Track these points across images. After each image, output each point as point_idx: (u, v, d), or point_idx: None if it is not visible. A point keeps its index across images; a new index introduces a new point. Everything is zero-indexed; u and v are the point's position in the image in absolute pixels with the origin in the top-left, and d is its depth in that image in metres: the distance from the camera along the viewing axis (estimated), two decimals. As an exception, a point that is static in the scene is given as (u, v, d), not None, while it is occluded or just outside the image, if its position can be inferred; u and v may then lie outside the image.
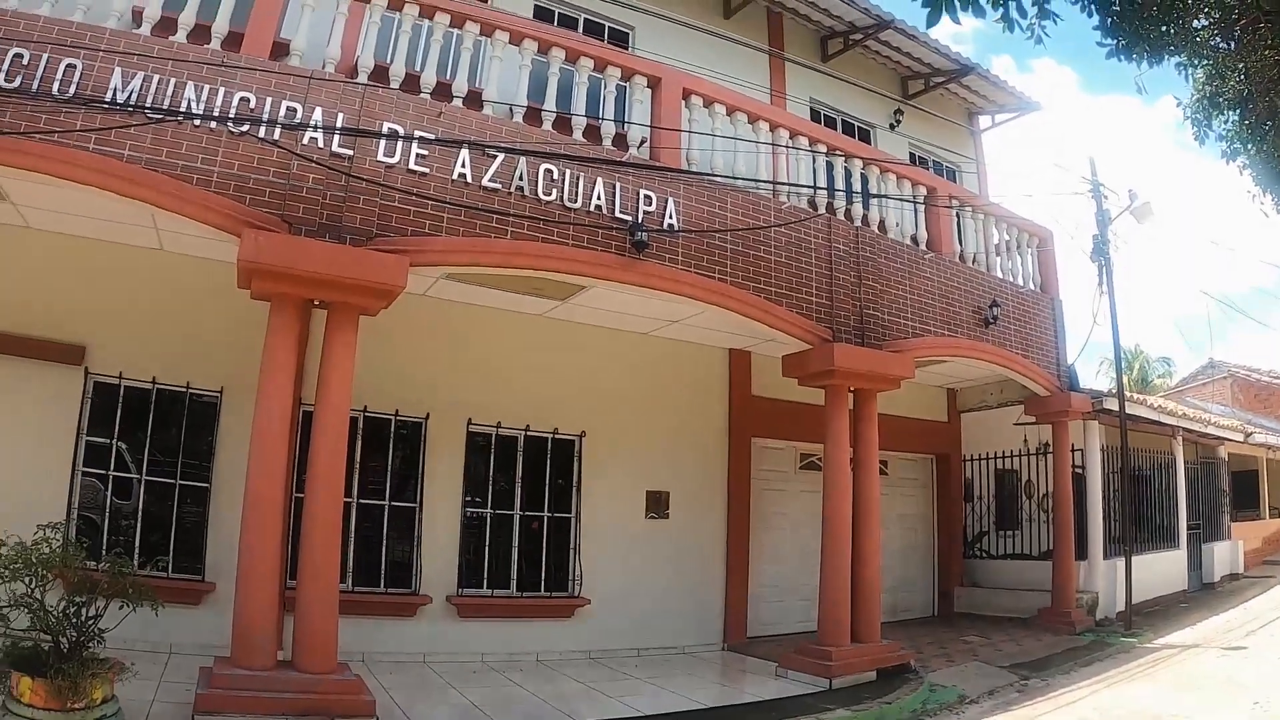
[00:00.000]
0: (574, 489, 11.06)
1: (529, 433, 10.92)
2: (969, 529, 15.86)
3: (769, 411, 12.44)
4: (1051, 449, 14.18)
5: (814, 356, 10.16)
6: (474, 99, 8.82)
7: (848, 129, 15.18)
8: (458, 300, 10.25)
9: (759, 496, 12.55)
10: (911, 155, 15.74)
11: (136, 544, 9.05)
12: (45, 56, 7.49)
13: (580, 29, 12.67)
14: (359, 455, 9.77)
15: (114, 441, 9.33)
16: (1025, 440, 15.05)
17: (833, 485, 10.24)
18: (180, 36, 8.06)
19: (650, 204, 9.09)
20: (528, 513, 10.86)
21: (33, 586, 6.35)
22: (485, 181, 8.36)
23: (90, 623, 6.47)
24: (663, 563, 11.39)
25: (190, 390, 9.52)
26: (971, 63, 15.78)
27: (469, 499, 10.49)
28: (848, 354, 10.11)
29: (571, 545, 10.95)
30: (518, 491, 10.83)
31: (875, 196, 11.39)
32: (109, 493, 9.27)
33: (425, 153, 8.19)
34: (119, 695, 6.26)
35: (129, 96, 7.55)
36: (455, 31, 9.03)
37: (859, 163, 11.37)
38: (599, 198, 8.83)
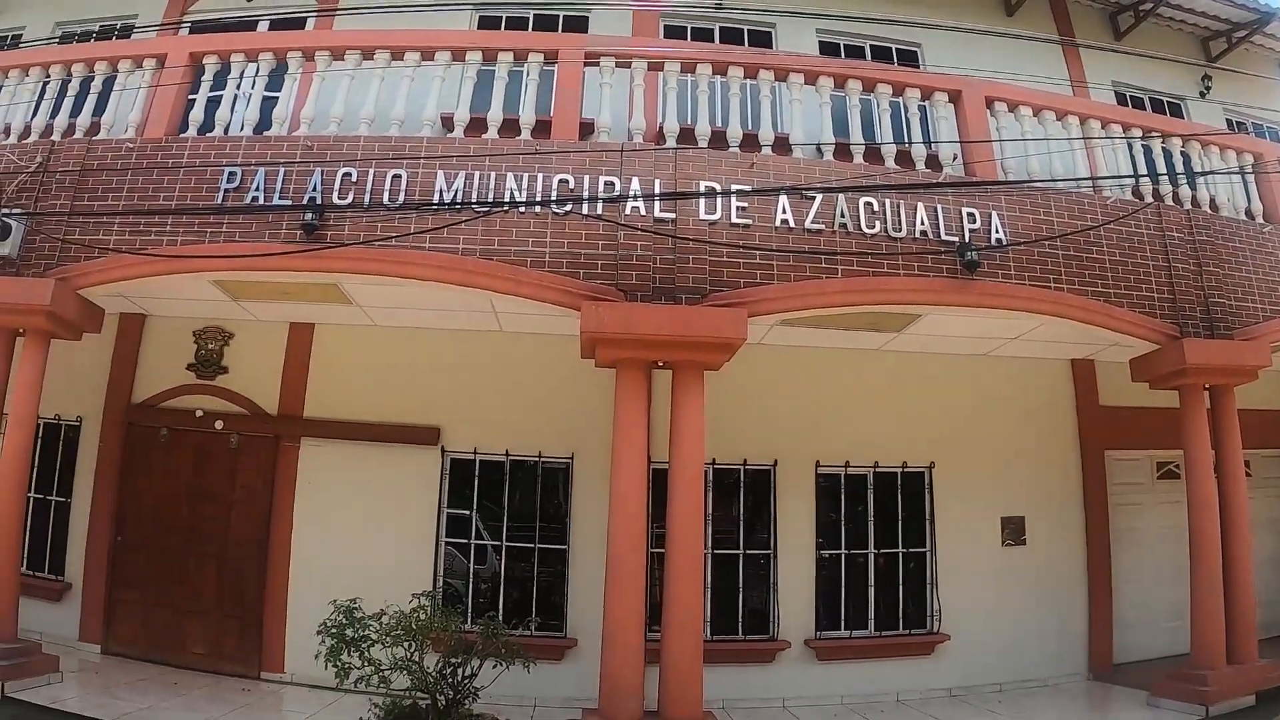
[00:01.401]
0: (927, 522, 10.74)
1: (877, 469, 10.70)
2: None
3: (1119, 421, 11.67)
4: None
5: (1163, 356, 9.50)
6: (782, 144, 8.89)
7: (1156, 106, 14.15)
8: (794, 344, 10.25)
9: (1116, 512, 11.71)
10: (1228, 122, 14.48)
11: (501, 606, 9.59)
12: (371, 171, 8.27)
13: (868, 57, 12.52)
14: (710, 506, 9.82)
15: (473, 512, 9.94)
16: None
17: (1196, 494, 9.46)
18: (491, 133, 8.61)
19: (974, 221, 8.77)
20: (881, 550, 10.61)
21: (411, 650, 6.75)
22: (808, 224, 8.35)
23: (465, 681, 6.83)
24: (1022, 591, 10.85)
25: (542, 459, 10.01)
26: (1271, 9, 14.46)
27: (821, 541, 10.37)
28: (1198, 349, 9.36)
29: (928, 580, 10.61)
30: (870, 529, 10.61)
31: (1201, 174, 10.57)
32: (471, 560, 9.88)
33: (744, 204, 8.29)
34: None
35: (454, 195, 8.16)
36: (750, 82, 9.14)
37: (1177, 140, 10.55)
38: (922, 223, 8.61)
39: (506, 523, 9.97)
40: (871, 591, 10.45)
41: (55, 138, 9.39)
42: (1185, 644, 9.57)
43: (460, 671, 6.99)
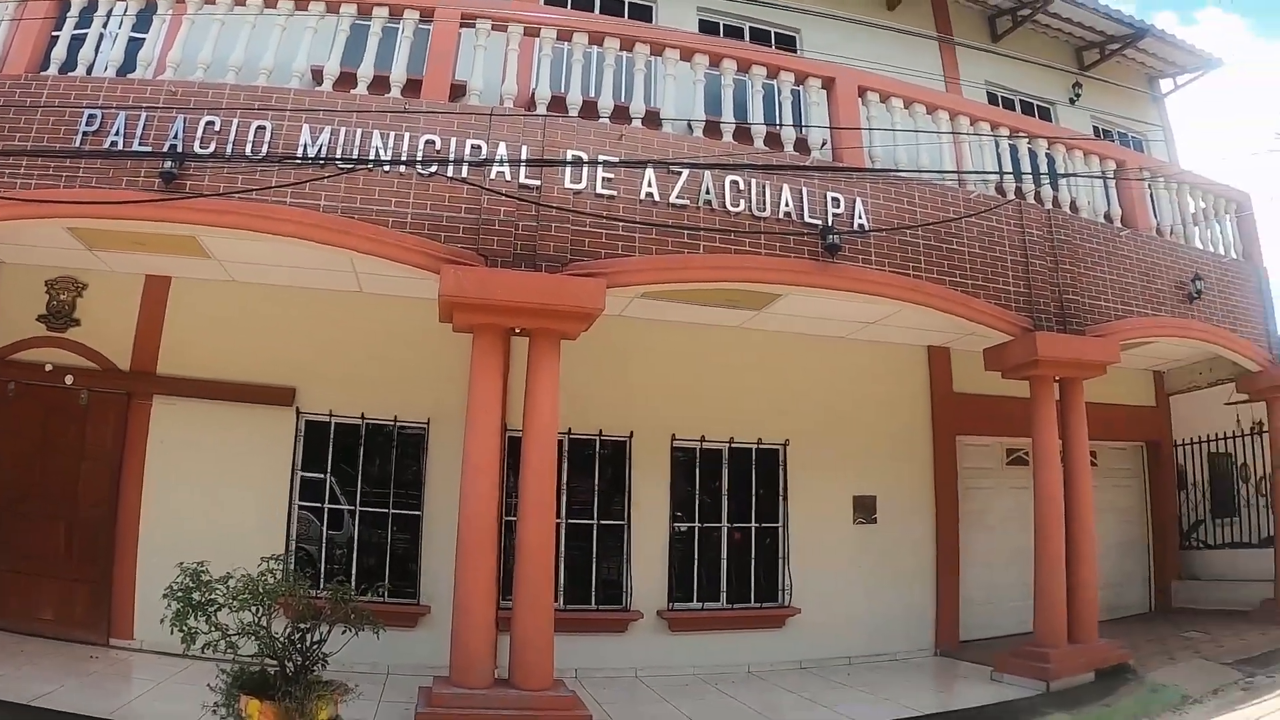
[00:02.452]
0: (780, 498, 10.94)
1: (733, 445, 10.87)
2: (1184, 519, 14.93)
3: (971, 408, 12.07)
4: (1266, 428, 13.28)
5: (1016, 348, 9.79)
6: (652, 119, 8.88)
7: (1026, 109, 14.59)
8: (654, 318, 10.32)
9: (965, 495, 12.15)
10: (1095, 129, 15.01)
11: (353, 572, 9.49)
12: (235, 121, 8.03)
13: (746, 38, 12.61)
14: (565, 477, 9.86)
15: (327, 475, 9.81)
16: (1238, 420, 14.09)
17: (1043, 480, 9.81)
18: (361, 89, 8.44)
19: (838, 206, 8.92)
20: (735, 525, 10.79)
21: (259, 615, 6.61)
22: (673, 199, 8.39)
23: (314, 647, 6.70)
24: (872, 568, 11.16)
25: (398, 423, 9.95)
26: (1145, 24, 14.90)
27: (676, 514, 10.51)
28: (1050, 342, 9.68)
29: (780, 555, 10.83)
30: (724, 504, 10.78)
31: (1064, 176, 10.91)
32: (324, 524, 9.74)
33: (611, 176, 8.28)
34: (342, 716, 6.50)
35: (319, 150, 7.99)
36: (626, 55, 9.12)
37: (1044, 142, 10.88)
38: (787, 204, 8.72)
39: (361, 487, 9.87)
40: (724, 565, 10.65)
41: (-95, 70, 8.97)
42: (1030, 623, 9.93)
43: (309, 637, 6.85)
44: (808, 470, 11.05)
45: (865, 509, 11.36)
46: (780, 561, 10.83)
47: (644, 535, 10.27)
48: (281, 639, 6.67)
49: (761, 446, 10.99)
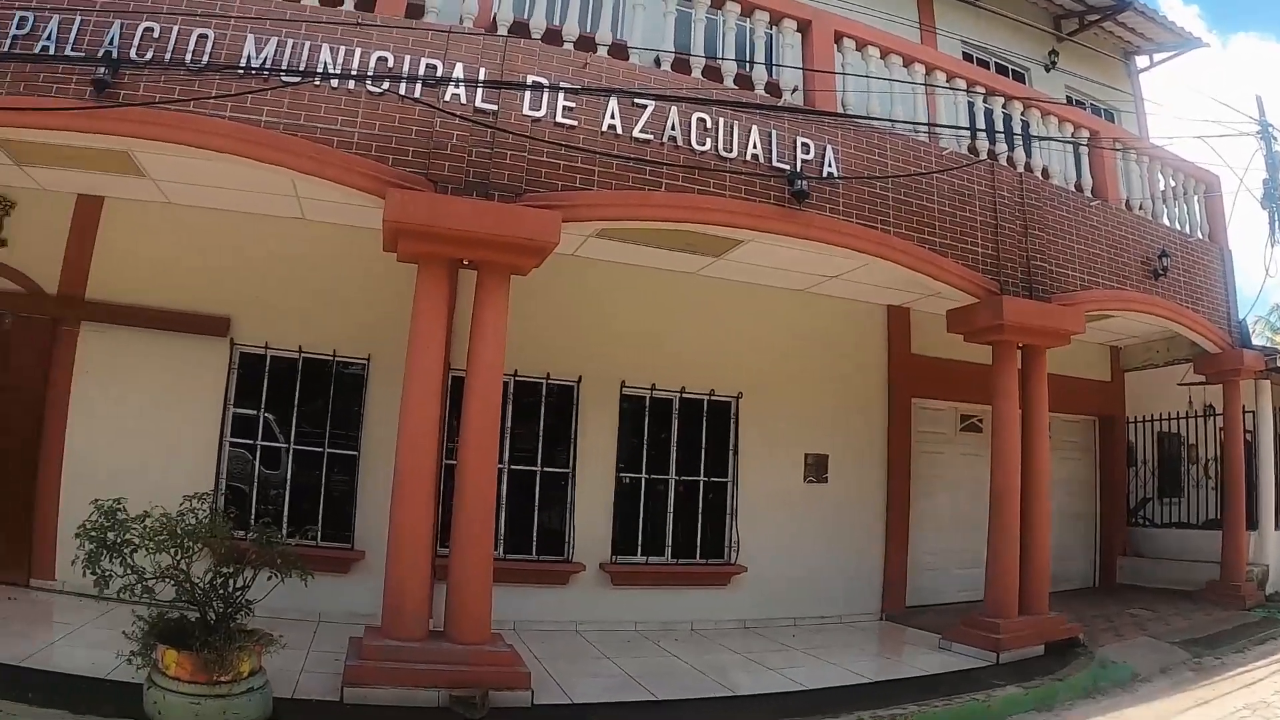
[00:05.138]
0: (730, 453, 10.72)
1: (684, 395, 10.61)
2: (1132, 495, 15.03)
3: (928, 371, 11.90)
4: (1219, 411, 13.38)
5: (981, 311, 9.55)
6: (619, 50, 8.47)
7: (1001, 71, 14.15)
8: (609, 259, 9.98)
9: (918, 459, 12.01)
10: (1068, 98, 14.67)
11: (285, 513, 9.17)
12: (175, 29, 7.49)
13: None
14: (510, 420, 9.58)
15: (261, 412, 9.43)
16: (1190, 402, 14.19)
17: (1001, 448, 9.60)
18: (312, 0, 7.92)
19: (808, 152, 8.57)
20: (683, 478, 10.55)
21: (178, 558, 6.24)
22: (636, 133, 7.99)
23: (238, 594, 6.35)
24: (821, 529, 10.99)
25: (337, 359, 9.60)
26: (1126, -1, 14.81)
27: (622, 464, 10.25)
28: (1017, 308, 9.47)
29: (728, 511, 10.63)
30: (673, 456, 10.52)
31: (1038, 139, 10.67)
32: (257, 462, 9.37)
33: (572, 105, 7.87)
34: (266, 666, 6.15)
35: (263, 62, 7.48)
36: (594, -20, 8.70)
37: (1018, 105, 10.63)
38: (755, 146, 8.36)
39: (296, 425, 9.47)
40: (670, 519, 10.43)
41: None
42: (978, 591, 9.88)
43: (232, 583, 6.50)
44: (760, 425, 10.85)
45: (817, 467, 11.19)
46: (728, 518, 10.64)
47: (589, 485, 10.01)
48: (202, 584, 6.32)
49: (713, 398, 10.75)
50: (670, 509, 10.42)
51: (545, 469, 9.95)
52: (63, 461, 9.05)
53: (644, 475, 10.35)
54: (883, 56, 9.62)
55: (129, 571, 6.13)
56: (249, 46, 7.50)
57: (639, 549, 10.18)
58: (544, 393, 10.04)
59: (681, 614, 10.03)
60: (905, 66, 9.75)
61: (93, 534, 6.21)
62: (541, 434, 9.99)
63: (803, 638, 9.91)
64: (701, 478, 10.63)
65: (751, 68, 9.06)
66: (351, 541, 9.24)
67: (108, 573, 6.10)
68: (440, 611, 7.15)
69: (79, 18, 7.58)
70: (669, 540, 10.36)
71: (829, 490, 11.20)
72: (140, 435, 9.05)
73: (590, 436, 10.09)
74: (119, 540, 6.19)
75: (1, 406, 9.18)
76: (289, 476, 9.43)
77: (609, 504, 10.08)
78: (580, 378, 10.11)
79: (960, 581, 11.75)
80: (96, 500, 6.37)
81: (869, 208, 8.82)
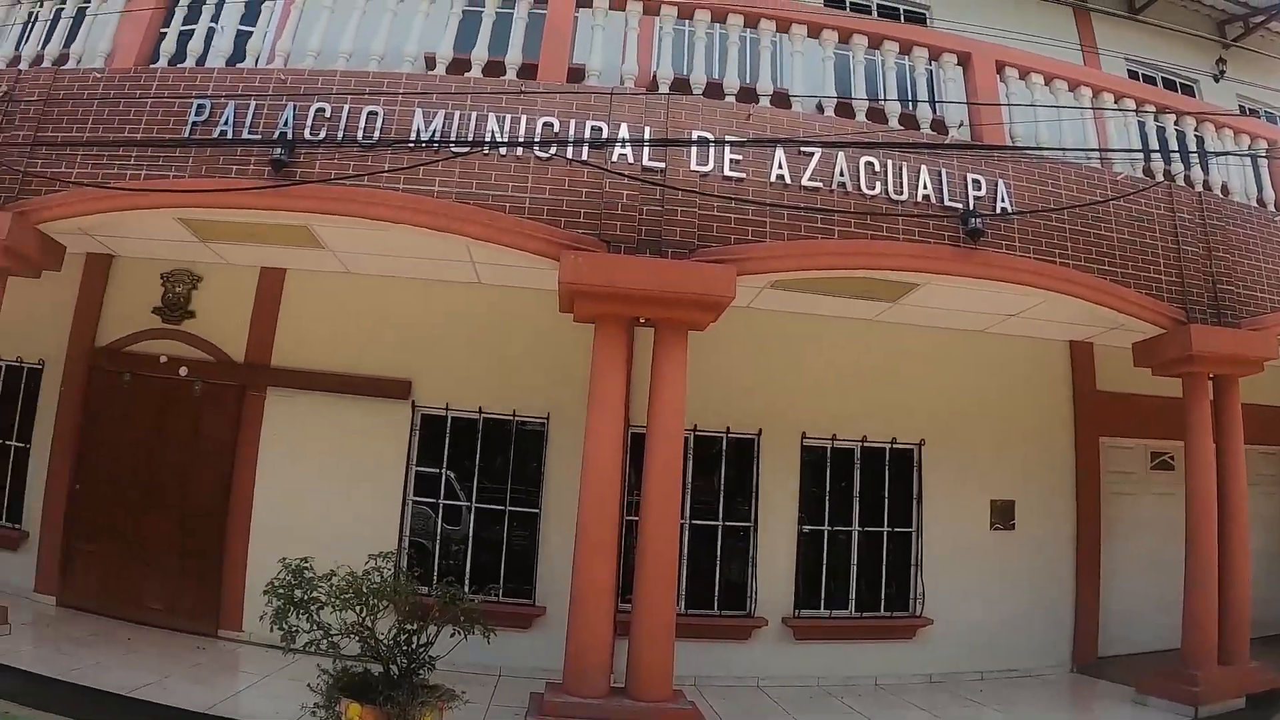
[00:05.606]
0: (914, 501, 10.34)
1: (865, 444, 10.30)
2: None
3: (1116, 407, 11.25)
4: None
5: (1169, 342, 9.09)
6: (781, 99, 8.45)
7: (1168, 85, 13.66)
8: (785, 309, 9.83)
9: (1108, 501, 11.33)
10: (1241, 107, 14.02)
11: (467, 569, 9.32)
12: (346, 107, 7.84)
13: (874, 15, 12.00)
14: (690, 475, 9.50)
15: (443, 470, 9.63)
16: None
17: (1195, 486, 9.07)
18: (475, 72, 8.19)
19: (979, 188, 8.32)
20: (866, 528, 10.20)
21: (363, 615, 6.38)
22: (805, 181, 7.90)
23: (421, 650, 6.45)
24: (1008, 577, 10.46)
25: (517, 418, 9.70)
26: (1291, -3, 14.08)
27: (804, 516, 10.00)
28: (1206, 336, 8.96)
29: (912, 561, 10.23)
30: (855, 506, 10.21)
31: (1216, 155, 10.16)
32: (440, 520, 9.57)
33: (739, 157, 7.84)
34: None
35: (432, 134, 7.73)
36: (750, 32, 8.72)
37: (1191, 120, 10.10)
38: (925, 186, 8.15)
39: (478, 483, 9.65)
40: (854, 571, 10.09)
41: (22, 67, 9.03)
42: (1173, 639, 9.26)
43: (415, 639, 6.63)
44: (943, 472, 10.43)
45: (1003, 514, 10.66)
46: (912, 568, 10.22)
47: (770, 537, 9.79)
48: (386, 640, 6.46)
49: (895, 446, 10.37)
50: (853, 561, 10.10)
51: (727, 522, 9.77)
52: (251, 519, 9.50)
53: (826, 526, 10.07)
54: (1047, 82, 9.30)
55: (314, 627, 6.32)
56: (418, 120, 7.79)
57: (822, 602, 9.90)
58: (724, 446, 9.89)
59: (865, 668, 9.72)
60: (1071, 90, 9.39)
61: (280, 591, 6.42)
62: (722, 487, 9.83)
63: (991, 693, 9.50)
64: (885, 528, 10.25)
65: (915, 106, 8.91)
66: (532, 597, 9.30)
67: (294, 628, 6.30)
68: (621, 668, 7.13)
69: (253, 102, 8.00)
70: (852, 593, 10.04)
71: (1015, 537, 10.66)
72: (324, 494, 9.38)
73: (771, 488, 9.89)
74: (305, 598, 6.39)
75: (194, 468, 9.74)
76: (470, 533, 9.58)
77: (791, 557, 9.84)
78: (760, 430, 9.93)
79: (1155, 629, 10.91)
80: (284, 559, 6.58)
81: (1045, 241, 8.49)
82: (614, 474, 7.25)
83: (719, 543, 9.74)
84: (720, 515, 9.79)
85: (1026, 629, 10.43)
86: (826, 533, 10.06)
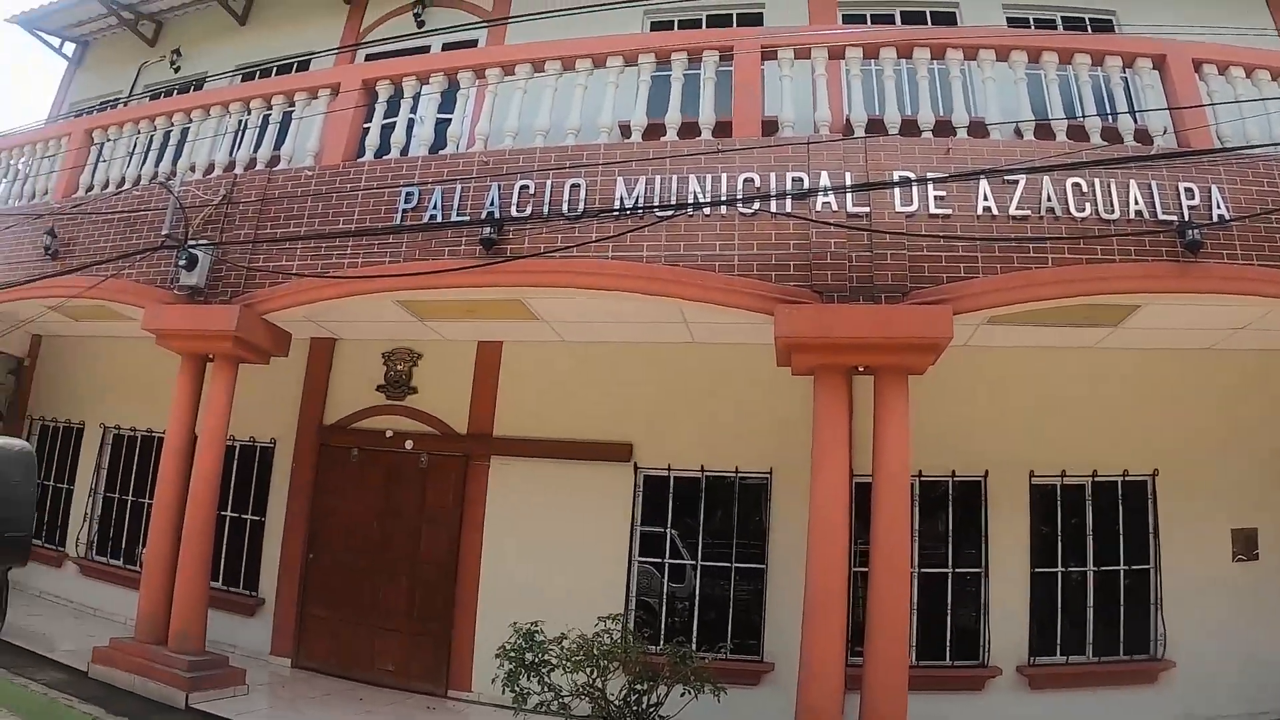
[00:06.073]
0: (1150, 535, 9.57)
1: (1096, 479, 9.63)
2: None
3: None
4: None
5: None
6: (978, 128, 8.26)
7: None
8: (1003, 345, 9.45)
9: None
10: None
11: (694, 627, 9.33)
12: (549, 183, 8.19)
13: (1059, 29, 11.59)
14: (916, 521, 9.05)
15: (667, 530, 9.70)
16: None
17: None
18: (670, 135, 8.40)
19: (1193, 197, 7.87)
20: (1101, 568, 9.52)
21: (594, 677, 6.53)
22: (1013, 210, 7.67)
23: (651, 710, 6.57)
24: (1254, 612, 9.46)
25: (739, 474, 9.66)
26: None
27: (1036, 558, 9.44)
28: None
29: (1151, 599, 9.45)
30: (1089, 545, 9.56)
31: None
32: (665, 579, 9.63)
33: (943, 193, 7.71)
34: None
35: (635, 201, 7.97)
36: (938, 64, 8.57)
37: None
38: (1136, 202, 7.79)
39: (702, 540, 9.66)
40: (1090, 613, 9.43)
41: (238, 171, 9.66)
42: None
43: (645, 699, 6.76)
44: (1177, 502, 9.60)
45: (1245, 543, 9.64)
46: (1152, 608, 9.45)
47: (1001, 582, 9.31)
48: (617, 701, 6.62)
49: (1127, 479, 9.65)
50: (1089, 602, 9.44)
51: (956, 569, 9.39)
52: (479, 582, 9.87)
53: (1060, 568, 9.48)
54: (1248, 75, 8.86)
55: (545, 689, 6.51)
56: (619, 188, 8.03)
57: (1057, 648, 9.31)
58: (950, 490, 9.52)
59: (1104, 716, 9.06)
60: (1275, 80, 8.97)
61: (512, 654, 6.70)
62: (951, 533, 9.46)
63: (1246, 741, 8.75)
64: (1120, 565, 9.53)
65: (1115, 118, 8.62)
66: (760, 653, 9.22)
67: (526, 690, 6.52)
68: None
69: (459, 185, 8.40)
70: (1089, 637, 9.38)
71: (1259, 568, 9.63)
72: (549, 557, 9.65)
73: (1000, 530, 9.41)
74: (537, 660, 6.62)
75: (422, 535, 10.24)
76: (696, 590, 9.60)
77: (1024, 601, 9.31)
78: (986, 471, 9.53)
79: None
80: (515, 623, 6.83)
81: (1268, 245, 7.94)
82: (841, 526, 7.18)
83: (950, 590, 9.35)
84: (950, 562, 9.40)
85: (1277, 669, 9.48)
86: (1060, 574, 9.47)
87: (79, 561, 12.52)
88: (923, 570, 9.29)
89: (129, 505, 12.51)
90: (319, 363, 11.01)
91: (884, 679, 6.84)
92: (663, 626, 9.28)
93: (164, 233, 9.41)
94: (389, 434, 10.47)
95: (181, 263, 9.10)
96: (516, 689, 6.71)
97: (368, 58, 12.60)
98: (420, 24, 13.04)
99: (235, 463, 11.02)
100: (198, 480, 9.02)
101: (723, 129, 8.38)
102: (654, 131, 8.53)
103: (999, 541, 9.42)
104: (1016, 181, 7.79)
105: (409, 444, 10.38)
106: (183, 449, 9.29)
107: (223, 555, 10.77)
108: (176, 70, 15.30)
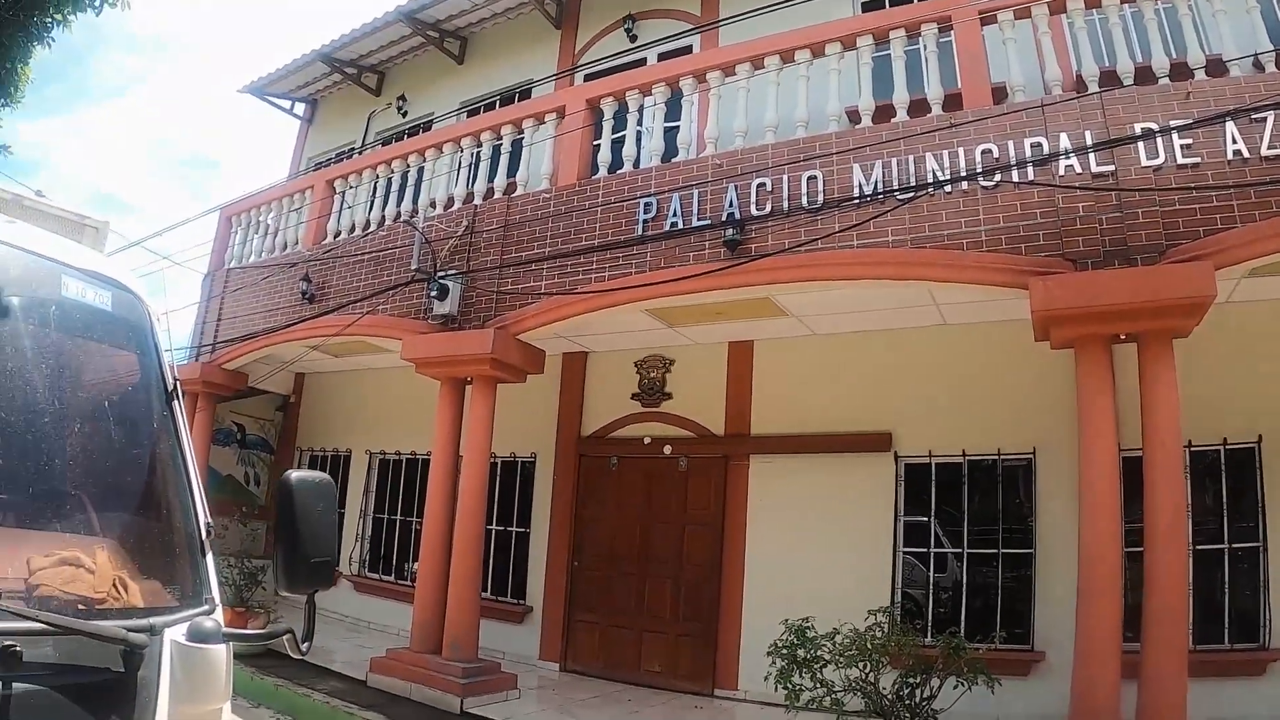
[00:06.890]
0: None
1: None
2: None
3: None
4: None
5: None
6: (1216, 66, 7.71)
7: None
8: (1264, 298, 8.50)
9: None
10: None
11: (962, 617, 9.07)
12: (785, 178, 8.27)
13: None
14: (1189, 495, 8.28)
15: (930, 519, 9.53)
16: None
17: None
18: (901, 116, 8.33)
19: None
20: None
21: (866, 671, 6.57)
22: (1264, 151, 7.02)
23: (924, 703, 6.55)
24: None
25: (1001, 457, 9.37)
26: None
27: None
28: None
29: None
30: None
31: None
32: (931, 570, 9.46)
33: (1188, 141, 7.21)
34: None
35: (873, 186, 7.95)
36: (1164, 5, 8.12)
37: None
38: (1404, 122, 6.99)
39: (967, 527, 9.39)
40: None
41: (477, 202, 10.16)
42: None
43: (919, 692, 6.77)
44: None
45: None
46: None
47: None
48: (889, 694, 6.63)
49: None
50: None
51: (1233, 545, 8.53)
52: (743, 581, 10.05)
53: None
54: None
55: (818, 685, 6.59)
56: (857, 176, 8.04)
57: None
58: (1222, 459, 8.67)
59: None
60: None
61: (784, 651, 6.79)
62: (1225, 506, 8.66)
63: None
64: None
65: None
66: (1030, 642, 8.79)
67: (798, 687, 6.61)
68: (1129, 713, 6.58)
69: (695, 191, 8.61)
70: None
71: None
72: (812, 552, 9.73)
73: (1277, 501, 8.57)
74: (809, 656, 6.69)
75: (684, 537, 10.58)
76: (962, 579, 9.36)
77: None
78: (1260, 437, 8.50)
79: None
80: (786, 620, 6.92)
81: None
82: (1113, 504, 6.83)
83: (1226, 568, 8.56)
84: (1226, 537, 8.57)
85: None
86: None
87: (352, 579, 13.63)
88: (1196, 548, 8.49)
89: (396, 524, 13.56)
90: (573, 376, 11.55)
91: (1163, 665, 6.43)
92: (929, 618, 9.14)
93: (413, 267, 10.10)
94: (647, 440, 10.89)
95: (433, 294, 9.74)
96: (789, 686, 6.77)
97: (586, 78, 12.96)
98: (632, 38, 13.37)
99: (498, 478, 11.69)
100: (465, 496, 9.62)
101: (952, 102, 8.24)
102: (883, 114, 8.49)
103: (1276, 514, 8.50)
104: (1265, 119, 7.18)
105: (667, 449, 10.78)
106: (448, 468, 9.94)
107: (490, 567, 11.37)
108: (404, 115, 16.39)
